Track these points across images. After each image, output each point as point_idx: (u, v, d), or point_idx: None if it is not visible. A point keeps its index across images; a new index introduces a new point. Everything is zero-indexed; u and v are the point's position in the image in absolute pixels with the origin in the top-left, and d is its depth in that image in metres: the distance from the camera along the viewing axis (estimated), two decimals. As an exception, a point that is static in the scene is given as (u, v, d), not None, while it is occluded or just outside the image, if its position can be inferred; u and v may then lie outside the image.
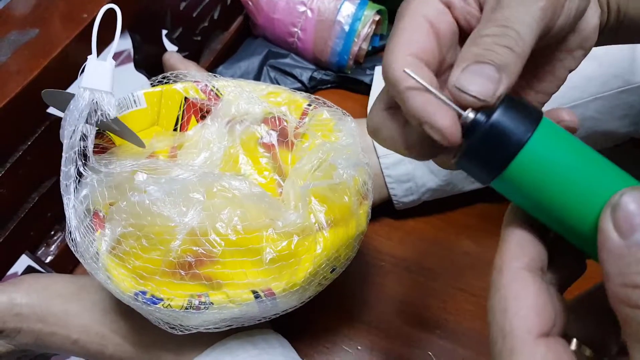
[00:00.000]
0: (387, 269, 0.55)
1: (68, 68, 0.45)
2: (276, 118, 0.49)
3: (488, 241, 0.56)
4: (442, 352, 0.50)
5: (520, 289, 0.24)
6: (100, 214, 0.40)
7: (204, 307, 0.37)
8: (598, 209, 0.22)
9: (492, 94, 0.24)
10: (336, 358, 0.50)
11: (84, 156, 0.39)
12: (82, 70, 0.38)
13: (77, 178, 0.39)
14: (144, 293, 0.37)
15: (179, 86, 0.49)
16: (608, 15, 0.31)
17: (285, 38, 0.68)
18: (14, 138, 0.46)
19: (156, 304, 0.37)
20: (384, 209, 0.56)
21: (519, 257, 0.25)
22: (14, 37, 0.47)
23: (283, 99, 0.49)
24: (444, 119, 0.24)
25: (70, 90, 0.43)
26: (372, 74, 0.65)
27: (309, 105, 0.49)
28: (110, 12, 0.39)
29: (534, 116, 0.24)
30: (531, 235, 0.26)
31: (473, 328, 0.51)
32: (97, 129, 0.41)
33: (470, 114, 0.24)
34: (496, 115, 0.24)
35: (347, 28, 0.65)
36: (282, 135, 0.50)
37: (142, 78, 0.61)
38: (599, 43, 0.31)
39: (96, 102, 0.38)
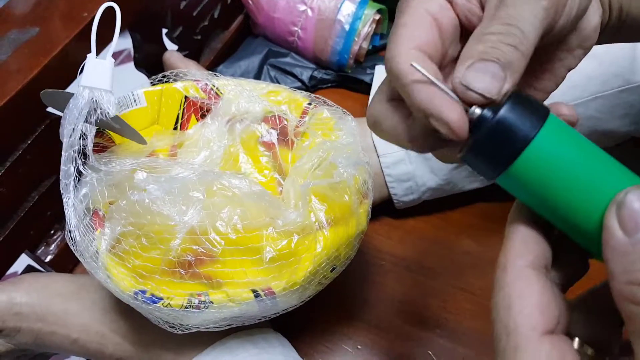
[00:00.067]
0: (387, 268, 0.55)
1: (68, 67, 0.45)
2: (276, 117, 0.49)
3: (488, 240, 0.56)
4: (442, 351, 0.50)
5: (524, 286, 0.24)
6: (100, 213, 0.40)
7: (204, 306, 0.37)
8: (603, 207, 0.23)
9: (498, 91, 0.24)
10: (336, 357, 0.50)
11: (84, 155, 0.39)
12: (82, 70, 0.38)
13: (76, 177, 0.39)
14: (143, 292, 0.37)
15: (179, 85, 0.49)
16: (610, 15, 0.31)
17: (285, 37, 0.68)
18: (14, 137, 0.46)
19: (156, 303, 0.37)
20: (384, 208, 0.56)
21: (523, 255, 0.25)
22: (14, 36, 0.47)
23: (283, 98, 0.49)
24: (452, 113, 0.24)
25: (70, 89, 0.43)
26: (373, 73, 0.65)
27: (309, 104, 0.49)
28: (110, 10, 0.39)
29: (541, 113, 0.24)
30: (536, 233, 0.26)
31: (473, 327, 0.51)
32: (97, 127, 0.41)
33: (477, 109, 0.24)
34: (503, 111, 0.24)
35: (347, 27, 0.65)
36: (283, 134, 0.49)
37: (142, 77, 0.61)
38: (600, 42, 0.31)
39: (96, 100, 0.38)
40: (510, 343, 0.23)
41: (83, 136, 0.38)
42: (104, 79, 0.38)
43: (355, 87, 0.68)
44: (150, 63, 0.61)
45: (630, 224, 0.21)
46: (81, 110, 0.37)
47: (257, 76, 0.68)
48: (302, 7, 0.66)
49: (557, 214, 0.24)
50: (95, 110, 0.38)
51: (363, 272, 0.55)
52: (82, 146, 0.38)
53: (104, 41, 0.40)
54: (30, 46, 0.46)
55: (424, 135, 0.28)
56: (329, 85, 0.69)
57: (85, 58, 0.39)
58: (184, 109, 0.49)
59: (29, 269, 0.53)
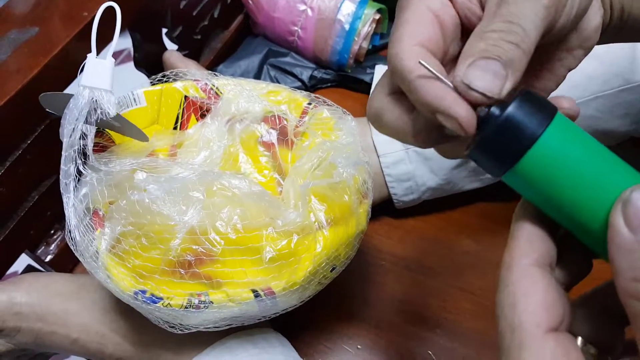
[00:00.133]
0: (387, 267, 0.55)
1: (68, 67, 0.45)
2: (276, 117, 0.49)
3: (488, 240, 0.56)
4: (442, 351, 0.50)
5: (529, 284, 0.24)
6: (100, 213, 0.40)
7: (204, 306, 0.37)
8: (609, 206, 0.23)
9: (499, 90, 0.24)
10: (336, 357, 0.50)
11: (84, 155, 0.39)
12: (82, 69, 0.38)
13: (76, 177, 0.39)
14: (143, 292, 0.37)
15: (179, 85, 0.49)
16: (611, 15, 0.31)
17: (285, 37, 0.68)
18: (14, 136, 0.46)
19: (156, 302, 0.37)
20: (384, 208, 0.56)
21: (528, 253, 0.25)
22: (14, 36, 0.47)
23: (283, 98, 0.49)
24: (460, 109, 0.24)
25: (70, 89, 0.43)
26: (373, 73, 0.65)
27: (309, 104, 0.49)
28: (110, 10, 0.39)
29: (548, 111, 0.24)
30: (541, 231, 0.26)
31: (473, 327, 0.51)
32: (97, 127, 0.41)
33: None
34: (511, 109, 0.24)
35: (347, 27, 0.65)
36: (282, 134, 0.49)
37: (142, 77, 0.61)
38: (601, 42, 0.31)
39: (96, 100, 0.38)
40: (514, 340, 0.23)
41: (83, 136, 0.38)
42: (104, 78, 0.38)
43: (355, 86, 0.68)
44: (150, 63, 0.61)
45: (636, 221, 0.21)
46: (81, 110, 0.37)
47: (257, 76, 0.68)
48: (302, 7, 0.66)
49: (563, 212, 0.25)
50: (95, 110, 0.38)
51: (363, 272, 0.55)
52: (82, 146, 0.38)
53: (104, 41, 0.40)
54: (30, 46, 0.46)
55: (428, 130, 0.28)
56: (329, 85, 0.69)
57: (85, 58, 0.39)
58: (183, 109, 0.49)
59: (29, 269, 0.53)
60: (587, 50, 0.30)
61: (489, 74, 0.24)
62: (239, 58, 0.69)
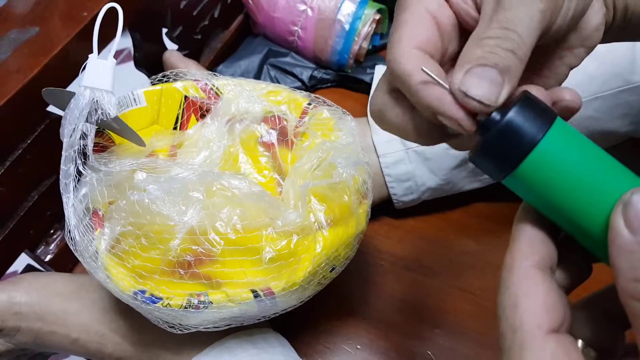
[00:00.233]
0: (387, 268, 0.55)
1: (68, 66, 0.45)
2: (276, 117, 0.49)
3: (488, 240, 0.56)
4: (442, 351, 0.50)
5: (530, 286, 0.24)
6: (100, 213, 0.40)
7: (203, 306, 0.37)
8: (609, 209, 0.23)
9: (495, 98, 0.24)
10: (335, 357, 0.50)
11: (84, 155, 0.39)
12: (83, 69, 0.38)
13: (76, 177, 0.39)
14: (143, 292, 0.37)
15: (179, 85, 0.49)
16: (614, 14, 0.31)
17: (285, 37, 0.68)
18: (14, 136, 0.46)
19: (155, 303, 0.37)
20: (383, 208, 0.56)
21: (529, 255, 0.25)
22: (14, 36, 0.47)
23: (283, 98, 0.49)
24: (460, 111, 0.25)
25: (70, 88, 0.43)
26: (373, 73, 0.65)
27: (309, 104, 0.49)
28: (111, 10, 0.39)
29: (548, 116, 0.24)
30: (542, 234, 0.26)
31: (472, 327, 0.51)
32: (97, 127, 0.41)
33: None
34: (511, 114, 0.24)
35: (347, 27, 0.65)
36: (282, 134, 0.49)
37: (142, 76, 0.61)
38: (605, 40, 0.31)
39: (96, 100, 0.38)
40: (516, 341, 0.24)
41: (83, 136, 0.38)
42: (105, 79, 0.38)
43: (355, 87, 0.68)
44: (150, 63, 0.61)
45: (636, 222, 0.21)
46: (82, 110, 0.37)
47: (257, 76, 0.68)
48: (302, 7, 0.66)
49: (563, 216, 0.25)
50: (96, 110, 0.38)
51: (363, 272, 0.55)
52: (82, 146, 0.38)
53: (104, 41, 0.40)
54: (30, 46, 0.46)
55: (430, 128, 0.28)
56: (329, 85, 0.69)
57: (85, 58, 0.39)
58: (183, 109, 0.49)
59: (28, 269, 0.53)
60: (589, 49, 0.30)
61: (485, 81, 0.24)
62: (239, 58, 0.69)
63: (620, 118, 0.51)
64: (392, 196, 0.55)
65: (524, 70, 0.26)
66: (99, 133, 0.44)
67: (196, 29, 0.66)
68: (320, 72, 0.68)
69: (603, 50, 0.32)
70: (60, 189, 0.39)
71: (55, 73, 0.45)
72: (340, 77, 0.68)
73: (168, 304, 0.37)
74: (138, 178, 0.40)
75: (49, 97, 0.40)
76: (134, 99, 0.47)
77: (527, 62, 0.25)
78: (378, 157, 0.53)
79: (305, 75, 0.67)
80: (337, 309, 0.52)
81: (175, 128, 0.49)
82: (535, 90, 0.27)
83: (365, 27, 0.65)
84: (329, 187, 0.40)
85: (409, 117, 0.29)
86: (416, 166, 0.53)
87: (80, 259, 0.39)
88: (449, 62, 0.30)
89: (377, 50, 0.70)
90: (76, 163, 0.38)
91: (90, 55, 0.38)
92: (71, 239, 0.38)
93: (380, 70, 0.62)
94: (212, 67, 0.69)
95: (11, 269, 0.50)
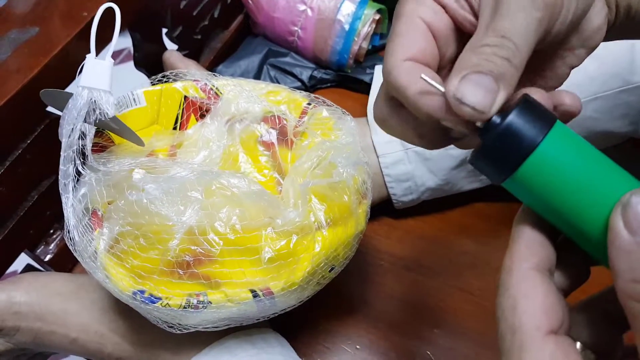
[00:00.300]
0: (386, 268, 0.55)
1: (68, 67, 0.45)
2: (276, 117, 0.49)
3: (487, 240, 0.56)
4: (441, 351, 0.50)
5: (529, 288, 0.24)
6: (99, 213, 0.40)
7: (202, 306, 0.37)
8: (607, 212, 0.23)
9: (490, 106, 0.24)
10: (335, 357, 0.50)
11: (83, 155, 0.39)
12: (81, 70, 0.38)
13: (75, 177, 0.39)
14: (142, 292, 0.37)
15: (178, 85, 0.49)
16: (617, 14, 0.30)
17: (285, 37, 0.68)
18: (14, 136, 0.46)
19: (154, 303, 0.37)
20: (383, 208, 0.56)
21: (528, 257, 0.25)
22: (14, 36, 0.47)
23: (282, 98, 0.49)
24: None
25: (69, 89, 0.43)
26: (372, 73, 0.65)
27: (309, 104, 0.49)
28: (110, 10, 0.39)
29: (547, 119, 0.25)
30: (541, 236, 0.26)
31: (472, 327, 0.51)
32: (96, 127, 0.41)
33: None
34: (511, 117, 0.24)
35: (347, 27, 0.65)
36: (282, 134, 0.49)
37: (142, 77, 0.61)
38: (608, 38, 0.31)
39: (94, 100, 0.38)
40: (515, 342, 0.24)
41: (82, 136, 0.38)
42: (103, 79, 0.38)
43: (355, 87, 0.68)
44: (150, 63, 0.61)
45: (635, 223, 0.21)
46: (80, 111, 0.37)
47: (257, 76, 0.68)
48: (302, 7, 0.66)
49: (562, 219, 0.25)
50: (94, 110, 0.38)
51: (362, 272, 0.55)
52: (81, 146, 0.38)
53: (103, 41, 0.40)
54: (30, 46, 0.46)
55: (432, 132, 0.29)
56: (329, 85, 0.69)
57: (85, 58, 0.39)
58: (183, 109, 0.49)
59: (28, 268, 0.53)
60: (591, 49, 0.30)
61: (480, 88, 0.24)
62: (238, 58, 0.69)
63: (619, 118, 0.51)
64: (392, 196, 0.55)
65: (524, 71, 0.26)
66: (98, 133, 0.44)
67: (196, 29, 0.66)
68: (320, 72, 0.68)
69: (602, 50, 0.32)
70: (60, 189, 0.39)
71: (55, 73, 0.46)
72: (339, 77, 0.68)
73: (167, 304, 0.37)
74: (136, 178, 0.40)
75: (47, 98, 0.40)
76: (134, 99, 0.47)
77: (523, 69, 0.26)
78: (377, 157, 0.53)
79: (305, 75, 0.67)
80: (337, 309, 0.52)
81: (174, 128, 0.49)
82: (536, 94, 0.27)
83: (365, 27, 0.65)
84: (328, 187, 0.40)
85: (411, 125, 0.29)
86: (416, 166, 0.53)
87: (79, 259, 0.39)
88: (447, 64, 0.30)
89: (377, 50, 0.70)
90: (75, 163, 0.38)
91: (87, 56, 0.39)
92: (70, 239, 0.38)
93: (379, 70, 0.62)
94: (212, 67, 0.69)
95: (11, 269, 0.50)
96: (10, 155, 0.46)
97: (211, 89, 0.49)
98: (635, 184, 0.24)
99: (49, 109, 0.45)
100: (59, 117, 0.39)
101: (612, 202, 0.23)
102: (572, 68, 0.30)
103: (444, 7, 0.28)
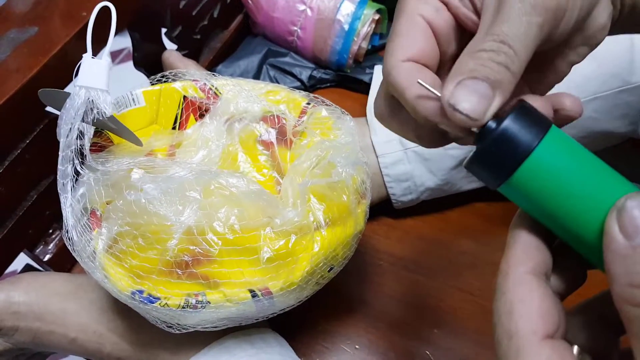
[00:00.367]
0: (385, 268, 0.55)
1: (67, 66, 0.45)
2: (275, 116, 0.49)
3: (486, 240, 0.56)
4: (441, 351, 0.50)
5: (525, 292, 0.24)
6: (98, 213, 0.40)
7: (201, 306, 0.37)
8: (603, 216, 0.23)
9: (484, 113, 0.24)
10: (334, 357, 0.50)
11: (81, 154, 0.39)
12: (77, 69, 0.38)
13: (74, 176, 0.39)
14: (141, 292, 0.37)
15: (177, 85, 0.49)
16: (621, 11, 0.30)
17: (284, 37, 0.68)
18: (13, 136, 0.46)
19: (153, 302, 0.37)
20: (382, 208, 0.56)
21: (524, 261, 0.25)
22: (14, 35, 0.47)
23: (282, 98, 0.49)
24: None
25: (68, 88, 0.43)
26: (372, 73, 0.65)
27: (308, 103, 0.49)
28: (109, 10, 0.39)
29: (542, 124, 0.25)
30: (537, 240, 0.26)
31: (471, 327, 0.51)
32: (95, 127, 0.41)
33: None
34: (506, 122, 0.24)
35: (346, 27, 0.65)
36: (281, 134, 0.49)
37: (141, 76, 0.61)
38: (610, 34, 0.31)
39: (92, 100, 0.38)
40: (511, 347, 0.24)
41: (80, 136, 0.38)
42: (100, 78, 0.38)
43: (354, 86, 0.68)
44: (150, 62, 0.61)
45: (631, 228, 0.21)
46: (77, 110, 0.37)
47: (257, 76, 0.68)
48: (302, 7, 0.66)
49: (558, 223, 0.25)
50: (92, 110, 0.38)
51: (361, 272, 0.55)
52: (79, 146, 0.38)
53: (102, 41, 0.40)
54: (29, 45, 0.46)
55: (430, 133, 0.29)
56: (328, 85, 0.69)
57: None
58: (182, 109, 0.49)
59: (27, 268, 0.53)
60: (593, 47, 0.29)
61: (475, 95, 0.24)
62: (238, 58, 0.69)
63: (619, 118, 0.51)
64: (391, 196, 0.55)
65: (526, 68, 0.26)
66: (97, 133, 0.44)
67: (195, 29, 0.66)
68: (319, 72, 0.68)
69: (602, 51, 0.32)
70: (58, 189, 0.39)
71: (54, 73, 0.46)
72: (339, 77, 0.68)
73: (166, 303, 0.37)
74: (135, 177, 0.40)
75: (45, 97, 0.40)
76: (133, 99, 0.47)
77: (519, 77, 0.25)
78: (377, 157, 0.53)
79: (304, 75, 0.67)
80: (336, 309, 0.52)
81: (174, 128, 0.49)
82: (535, 101, 0.27)
83: (365, 27, 0.65)
84: (328, 187, 0.40)
85: (410, 125, 0.29)
86: (415, 166, 0.53)
87: (78, 259, 0.39)
88: (449, 62, 0.30)
89: (376, 50, 0.70)
90: (74, 163, 0.38)
91: (84, 55, 0.38)
92: (69, 238, 0.38)
93: (379, 70, 0.62)
94: (211, 67, 0.69)
95: (10, 269, 0.50)
96: (9, 154, 0.46)
97: (210, 88, 0.49)
98: (631, 188, 0.24)
99: (48, 108, 0.45)
100: (57, 116, 0.39)
101: (608, 207, 0.23)
102: (573, 65, 0.30)
103: (446, 4, 0.28)
